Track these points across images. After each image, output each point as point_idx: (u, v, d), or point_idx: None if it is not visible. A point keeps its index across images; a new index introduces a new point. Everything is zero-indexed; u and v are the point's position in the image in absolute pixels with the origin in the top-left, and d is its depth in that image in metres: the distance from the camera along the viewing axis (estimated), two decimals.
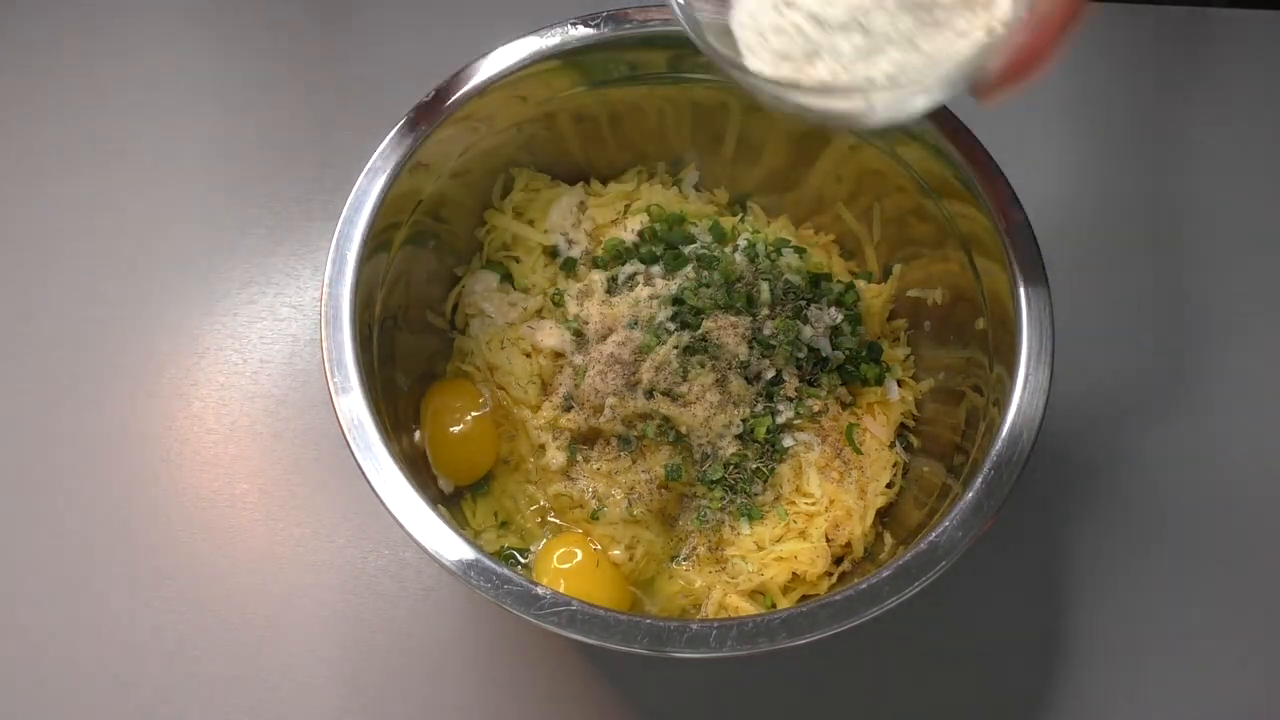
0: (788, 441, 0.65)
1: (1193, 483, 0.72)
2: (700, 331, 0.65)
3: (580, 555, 0.63)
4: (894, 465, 0.67)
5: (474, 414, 0.67)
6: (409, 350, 0.66)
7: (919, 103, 0.48)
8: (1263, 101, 0.84)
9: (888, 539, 0.64)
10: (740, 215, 0.75)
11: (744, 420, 0.64)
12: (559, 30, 0.64)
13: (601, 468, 0.65)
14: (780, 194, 0.74)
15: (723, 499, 0.64)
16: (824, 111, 0.49)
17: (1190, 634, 0.68)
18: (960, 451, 0.61)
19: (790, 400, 0.65)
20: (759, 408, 0.65)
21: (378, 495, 0.53)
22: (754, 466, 0.64)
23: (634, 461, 0.65)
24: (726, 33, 0.51)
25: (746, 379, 0.65)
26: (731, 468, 0.64)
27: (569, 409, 0.66)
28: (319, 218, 0.80)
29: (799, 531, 0.64)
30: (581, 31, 0.64)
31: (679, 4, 0.49)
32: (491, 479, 0.68)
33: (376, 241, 0.60)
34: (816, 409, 0.66)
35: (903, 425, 0.69)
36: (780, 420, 0.65)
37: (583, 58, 0.65)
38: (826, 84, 0.47)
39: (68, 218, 0.80)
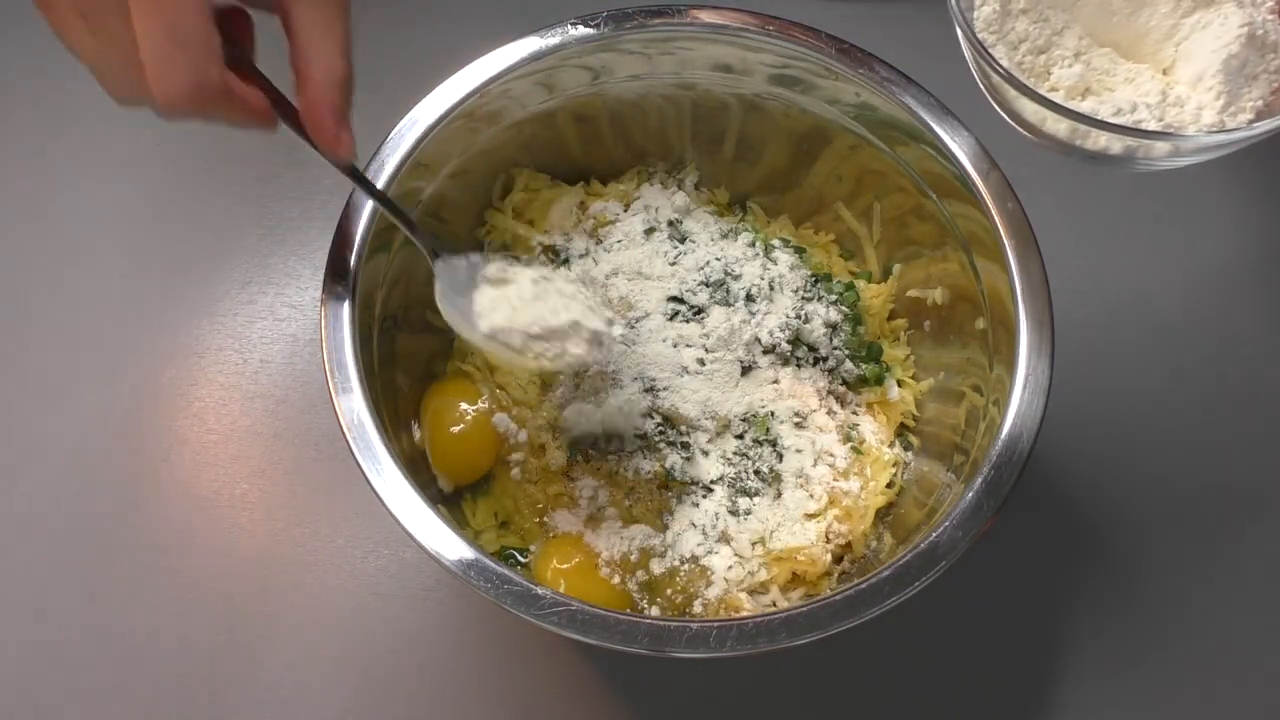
0: (788, 441, 0.65)
1: (1194, 482, 0.72)
2: (700, 331, 0.65)
3: (580, 555, 0.63)
4: (894, 465, 0.67)
5: (474, 414, 0.67)
6: (409, 350, 0.66)
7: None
8: None
9: (888, 539, 0.64)
10: (740, 215, 0.75)
11: (744, 419, 0.64)
12: (559, 30, 0.64)
13: (602, 468, 0.65)
14: (780, 194, 0.74)
15: (723, 499, 0.64)
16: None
17: (1191, 634, 0.68)
18: (960, 451, 0.61)
19: (790, 400, 0.65)
20: (759, 407, 0.65)
21: (378, 495, 0.53)
22: (754, 466, 0.64)
23: (634, 461, 0.65)
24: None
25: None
26: (731, 467, 0.64)
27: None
28: (319, 218, 0.80)
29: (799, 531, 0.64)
30: (581, 31, 0.64)
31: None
32: (491, 479, 0.68)
33: (376, 242, 0.60)
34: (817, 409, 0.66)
35: (903, 425, 0.69)
36: (780, 420, 0.65)
37: (582, 58, 0.65)
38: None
39: (67, 218, 0.80)
